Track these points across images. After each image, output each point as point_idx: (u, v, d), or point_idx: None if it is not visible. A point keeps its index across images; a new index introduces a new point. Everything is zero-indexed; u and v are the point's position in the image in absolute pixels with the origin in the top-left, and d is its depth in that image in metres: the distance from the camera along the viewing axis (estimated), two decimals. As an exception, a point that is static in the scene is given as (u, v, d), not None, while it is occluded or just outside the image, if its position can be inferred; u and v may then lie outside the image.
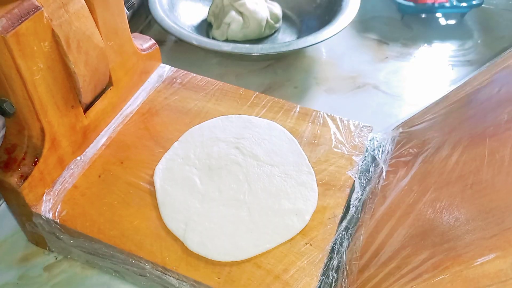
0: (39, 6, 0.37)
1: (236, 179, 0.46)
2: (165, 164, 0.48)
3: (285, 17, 0.78)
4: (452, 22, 0.80)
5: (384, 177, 0.45)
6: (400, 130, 0.49)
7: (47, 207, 0.44)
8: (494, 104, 0.37)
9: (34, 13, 0.36)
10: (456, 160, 0.36)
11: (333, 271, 0.41)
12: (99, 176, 0.47)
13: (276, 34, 0.76)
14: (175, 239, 0.42)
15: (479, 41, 0.76)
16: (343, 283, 0.39)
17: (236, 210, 0.44)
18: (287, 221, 0.43)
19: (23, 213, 0.45)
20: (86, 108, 0.47)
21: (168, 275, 0.41)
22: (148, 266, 0.41)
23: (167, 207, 0.44)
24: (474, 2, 0.77)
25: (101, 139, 0.50)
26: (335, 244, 0.42)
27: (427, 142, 0.42)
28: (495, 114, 0.36)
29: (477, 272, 0.26)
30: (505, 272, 0.25)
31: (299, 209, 0.44)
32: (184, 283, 0.40)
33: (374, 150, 0.50)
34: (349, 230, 0.44)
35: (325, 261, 0.41)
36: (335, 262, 0.41)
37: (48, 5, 0.38)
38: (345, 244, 0.42)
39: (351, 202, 0.46)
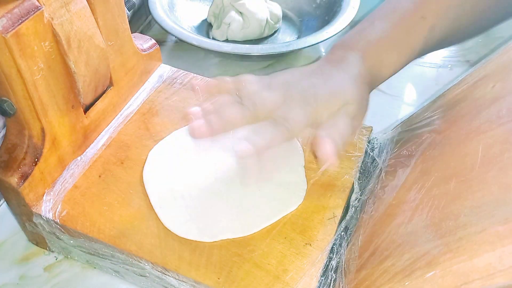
0: (40, 6, 0.37)
1: (232, 177, 0.46)
2: (154, 164, 0.48)
3: (285, 17, 0.78)
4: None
5: (383, 178, 0.45)
6: (399, 130, 0.49)
7: (48, 207, 0.44)
8: (488, 101, 0.37)
9: (34, 13, 0.36)
10: (452, 158, 0.36)
11: (332, 272, 0.41)
12: (100, 176, 0.47)
13: (276, 34, 0.76)
14: (175, 239, 0.42)
15: (479, 41, 0.76)
16: (341, 283, 0.39)
17: (230, 203, 0.44)
18: (275, 207, 0.44)
19: (24, 213, 0.45)
20: (87, 108, 0.47)
21: (168, 275, 0.41)
22: (148, 266, 0.41)
23: (163, 207, 0.44)
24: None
25: (102, 139, 0.50)
26: (334, 244, 0.43)
27: (425, 141, 0.42)
28: (489, 110, 0.36)
29: (467, 267, 0.27)
30: (493, 266, 0.25)
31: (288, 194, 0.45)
32: (184, 283, 0.41)
33: (374, 150, 0.51)
34: (348, 231, 0.44)
35: (325, 261, 0.41)
36: (334, 263, 0.41)
37: (49, 4, 0.38)
38: (344, 244, 0.43)
39: (351, 203, 0.46)
